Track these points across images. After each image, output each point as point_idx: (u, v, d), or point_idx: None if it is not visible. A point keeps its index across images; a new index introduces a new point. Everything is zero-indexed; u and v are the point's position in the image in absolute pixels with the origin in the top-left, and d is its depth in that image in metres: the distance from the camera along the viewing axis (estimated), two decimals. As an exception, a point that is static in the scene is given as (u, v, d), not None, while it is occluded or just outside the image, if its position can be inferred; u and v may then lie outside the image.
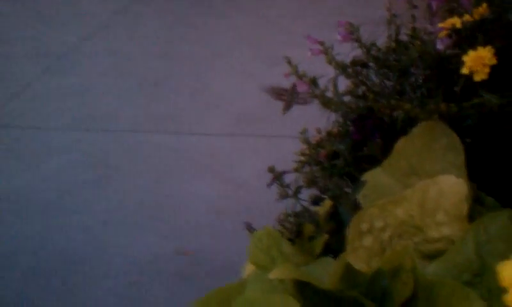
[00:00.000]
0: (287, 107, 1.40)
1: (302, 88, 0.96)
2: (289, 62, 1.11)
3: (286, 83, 1.22)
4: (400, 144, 0.77)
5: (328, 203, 0.82)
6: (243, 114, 3.01)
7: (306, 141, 1.17)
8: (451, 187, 0.67)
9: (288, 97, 1.39)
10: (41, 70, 3.56)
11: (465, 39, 0.88)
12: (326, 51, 1.02)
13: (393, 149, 0.77)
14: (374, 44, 1.10)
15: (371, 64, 1.09)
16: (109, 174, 2.46)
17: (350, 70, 1.05)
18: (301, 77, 1.05)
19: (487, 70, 0.81)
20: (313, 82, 1.02)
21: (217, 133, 2.82)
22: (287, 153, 2.62)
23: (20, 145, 2.75)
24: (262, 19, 4.61)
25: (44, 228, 2.14)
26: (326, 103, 0.93)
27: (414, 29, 1.05)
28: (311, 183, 0.87)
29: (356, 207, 0.73)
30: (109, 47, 4.01)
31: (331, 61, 1.03)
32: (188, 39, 4.19)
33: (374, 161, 0.86)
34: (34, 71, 3.54)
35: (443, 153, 0.73)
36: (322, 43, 1.03)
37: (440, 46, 0.88)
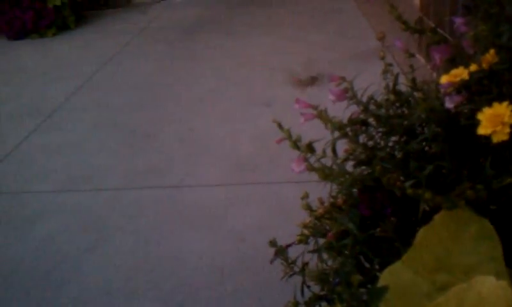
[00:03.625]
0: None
1: (299, 166, 0.85)
2: (280, 126, 1.01)
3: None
4: (422, 234, 0.66)
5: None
6: (236, 160, 2.90)
7: (309, 208, 1.07)
8: (492, 291, 0.56)
9: None
10: (29, 130, 3.48)
11: (476, 93, 0.78)
12: (320, 115, 0.92)
13: (415, 240, 0.66)
14: (371, 98, 1.00)
15: (370, 120, 0.99)
16: (102, 238, 2.35)
17: (349, 130, 0.95)
18: (295, 143, 0.95)
19: (507, 129, 0.71)
20: (309, 148, 0.92)
21: (211, 183, 2.71)
22: (287, 199, 2.52)
23: (8, 211, 2.63)
24: (245, 59, 4.52)
25: (36, 304, 2.01)
26: (327, 176, 0.83)
27: (414, 80, 0.95)
28: (320, 281, 0.76)
29: (377, 316, 0.62)
30: (96, 100, 3.94)
31: (326, 124, 0.93)
32: (172, 85, 4.12)
33: (389, 240, 0.76)
34: (21, 132, 3.45)
35: (475, 243, 0.62)
36: (315, 107, 0.93)
37: (448, 103, 0.78)
